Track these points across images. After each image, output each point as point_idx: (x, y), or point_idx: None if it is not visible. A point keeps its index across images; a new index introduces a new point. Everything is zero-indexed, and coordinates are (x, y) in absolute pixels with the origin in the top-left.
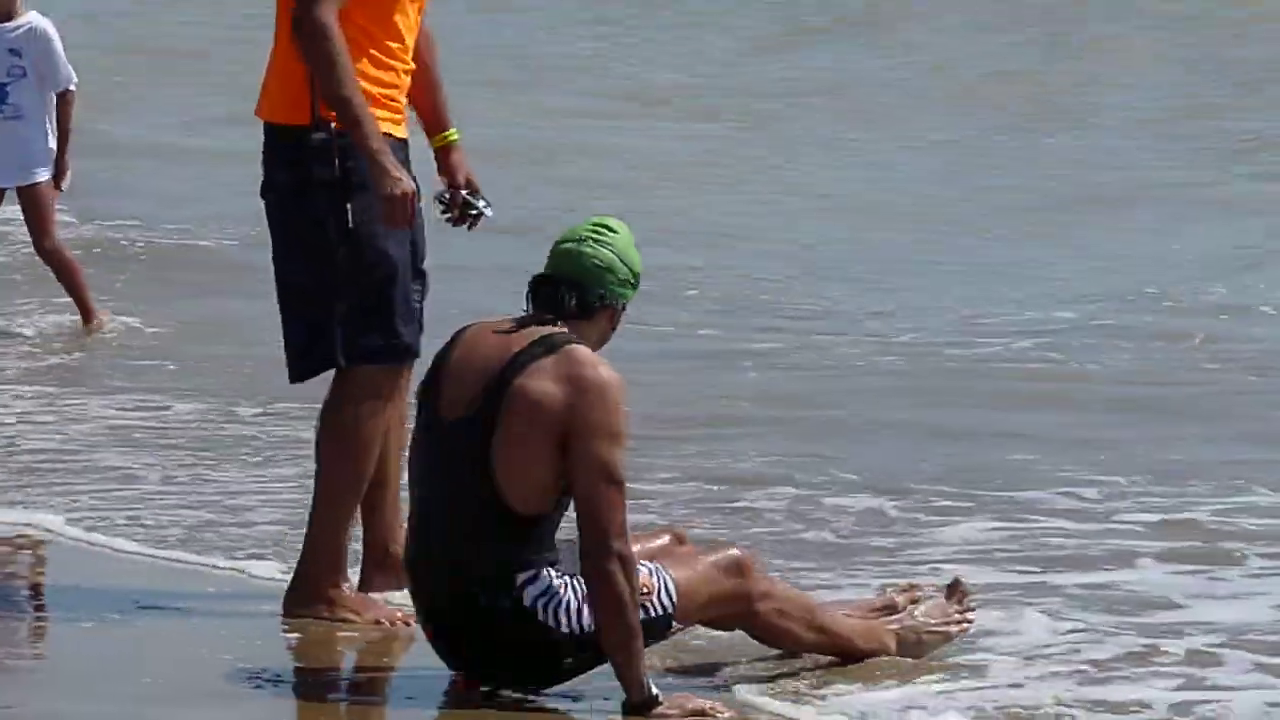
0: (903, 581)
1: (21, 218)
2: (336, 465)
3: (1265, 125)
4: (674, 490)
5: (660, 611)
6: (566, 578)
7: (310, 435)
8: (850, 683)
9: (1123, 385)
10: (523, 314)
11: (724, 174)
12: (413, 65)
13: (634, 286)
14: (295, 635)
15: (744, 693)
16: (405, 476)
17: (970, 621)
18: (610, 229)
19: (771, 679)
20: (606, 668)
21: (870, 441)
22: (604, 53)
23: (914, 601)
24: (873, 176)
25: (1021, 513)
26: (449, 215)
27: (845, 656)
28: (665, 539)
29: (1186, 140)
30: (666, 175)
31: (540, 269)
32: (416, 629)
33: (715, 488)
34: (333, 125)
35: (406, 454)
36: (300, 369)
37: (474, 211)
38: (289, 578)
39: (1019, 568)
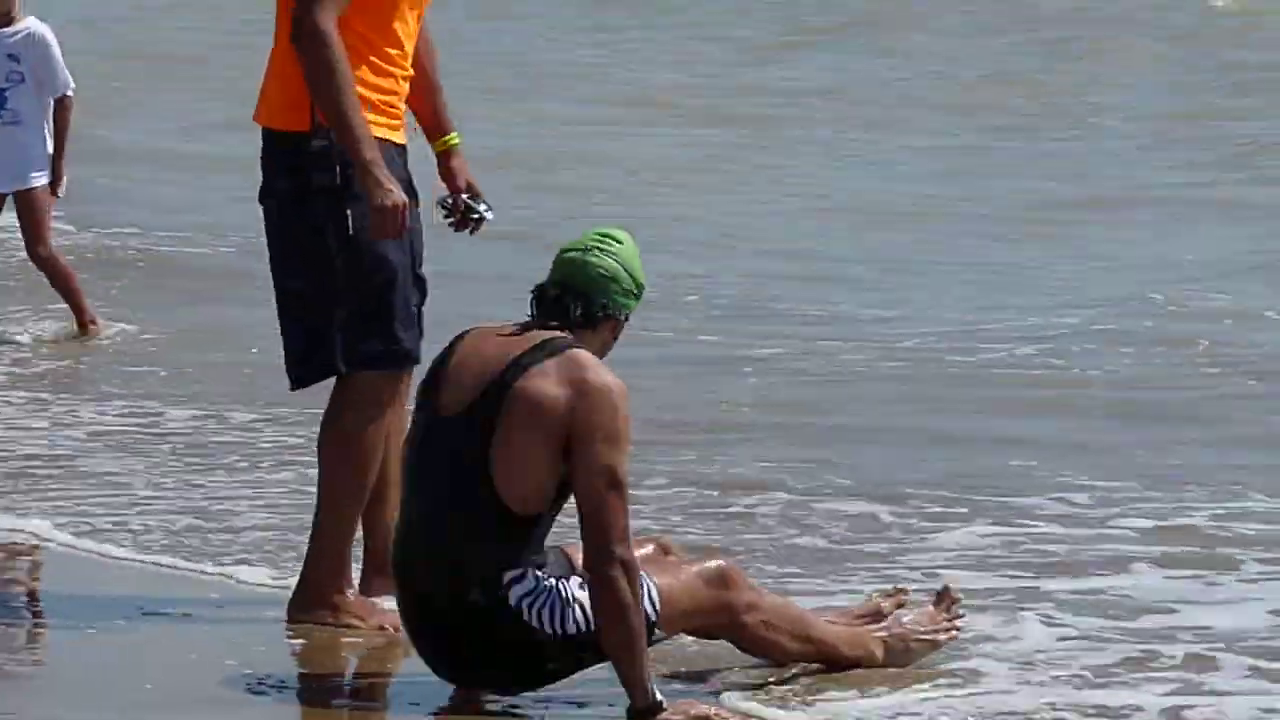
0: (888, 586)
1: (17, 224)
2: (338, 472)
3: (1263, 129)
4: (670, 495)
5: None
6: (552, 579)
7: (303, 441)
8: (843, 689)
9: (1124, 390)
10: (526, 320)
11: (724, 178)
12: (412, 72)
13: (637, 297)
14: (299, 641)
15: (734, 700)
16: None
17: (959, 629)
18: (615, 239)
19: (761, 686)
20: (607, 672)
21: (870, 447)
22: (604, 59)
23: (900, 605)
24: (874, 179)
25: (1018, 518)
26: (451, 220)
27: (832, 664)
28: (650, 548)
29: (1185, 144)
30: (667, 180)
31: (541, 277)
32: None
33: (711, 493)
34: (332, 132)
35: None
36: (300, 376)
37: (475, 216)
38: (279, 583)
39: (1016, 573)
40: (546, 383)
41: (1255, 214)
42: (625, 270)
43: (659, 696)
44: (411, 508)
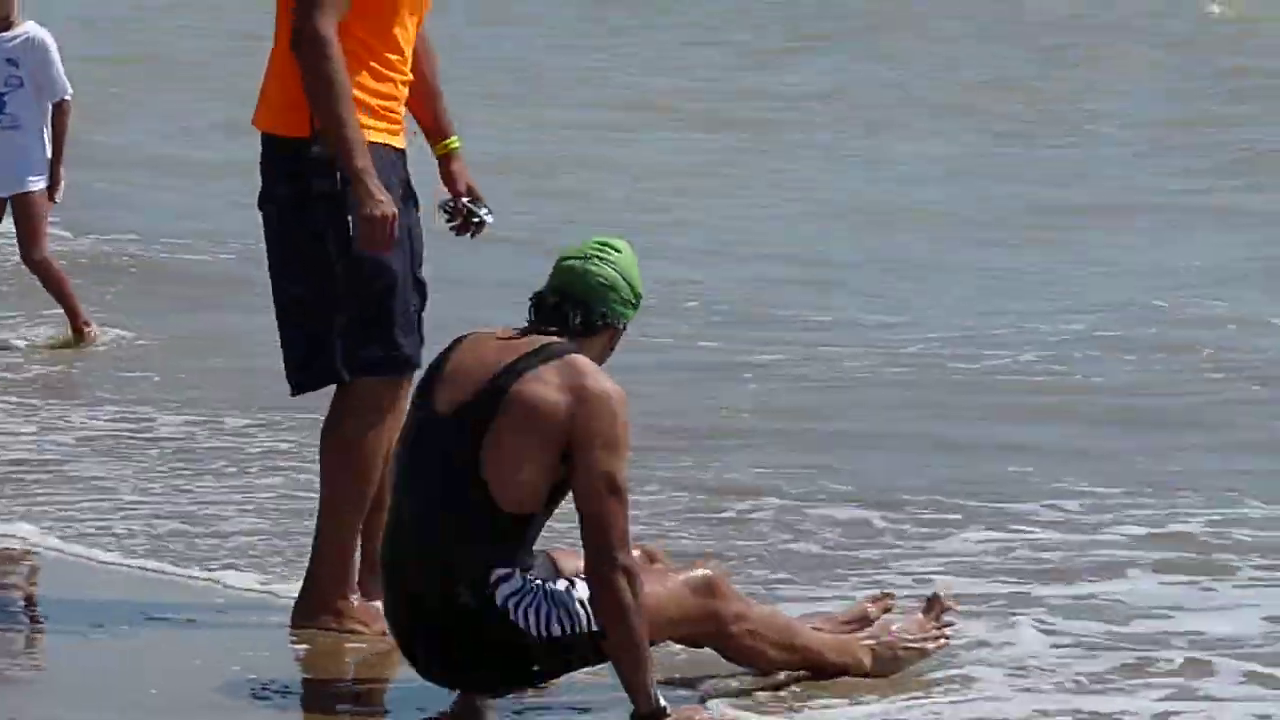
0: (875, 591)
1: (13, 228)
2: (340, 478)
3: (1260, 136)
4: (665, 500)
5: None
6: (539, 581)
7: (292, 446)
8: (833, 696)
9: (1126, 396)
10: (525, 325)
11: (724, 183)
12: (411, 76)
13: (635, 306)
14: (303, 646)
15: (722, 707)
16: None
17: (948, 638)
18: (614, 248)
19: (750, 693)
20: (610, 677)
21: (871, 453)
22: (604, 63)
23: (887, 610)
24: (874, 184)
25: (1014, 524)
26: (453, 224)
27: (819, 673)
28: (636, 555)
29: (1183, 150)
30: (667, 185)
31: (541, 282)
32: None
33: (706, 499)
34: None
35: None
36: (300, 382)
37: (476, 219)
38: (266, 588)
39: (1011, 579)
40: (545, 388)
41: (1253, 220)
42: (624, 279)
43: (662, 702)
44: (403, 508)
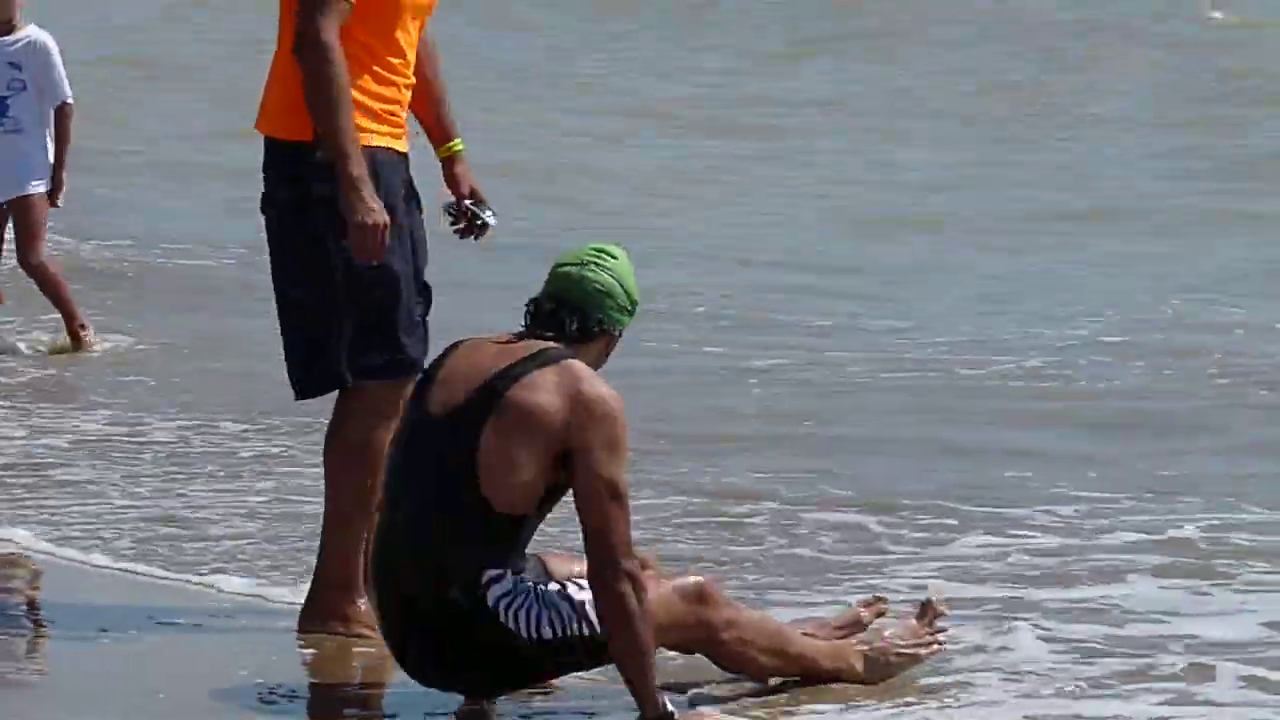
0: (867, 595)
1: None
2: (344, 482)
3: (1266, 141)
4: (663, 505)
5: None
6: (530, 584)
7: (281, 450)
8: (824, 703)
9: (1133, 400)
10: (521, 330)
11: (727, 189)
12: (414, 80)
13: (631, 313)
14: (310, 651)
15: (717, 713)
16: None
17: (941, 643)
18: (610, 254)
19: (740, 698)
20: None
21: (873, 458)
22: (605, 68)
23: (880, 615)
24: (877, 190)
25: (1013, 529)
26: (457, 226)
27: (811, 679)
28: None
29: (1189, 155)
30: (670, 191)
31: (538, 288)
32: None
33: (702, 501)
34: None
35: None
36: (302, 386)
37: (479, 222)
38: (256, 592)
39: (1008, 584)
40: (541, 393)
41: (1260, 225)
42: (620, 286)
43: (670, 707)
44: (396, 508)
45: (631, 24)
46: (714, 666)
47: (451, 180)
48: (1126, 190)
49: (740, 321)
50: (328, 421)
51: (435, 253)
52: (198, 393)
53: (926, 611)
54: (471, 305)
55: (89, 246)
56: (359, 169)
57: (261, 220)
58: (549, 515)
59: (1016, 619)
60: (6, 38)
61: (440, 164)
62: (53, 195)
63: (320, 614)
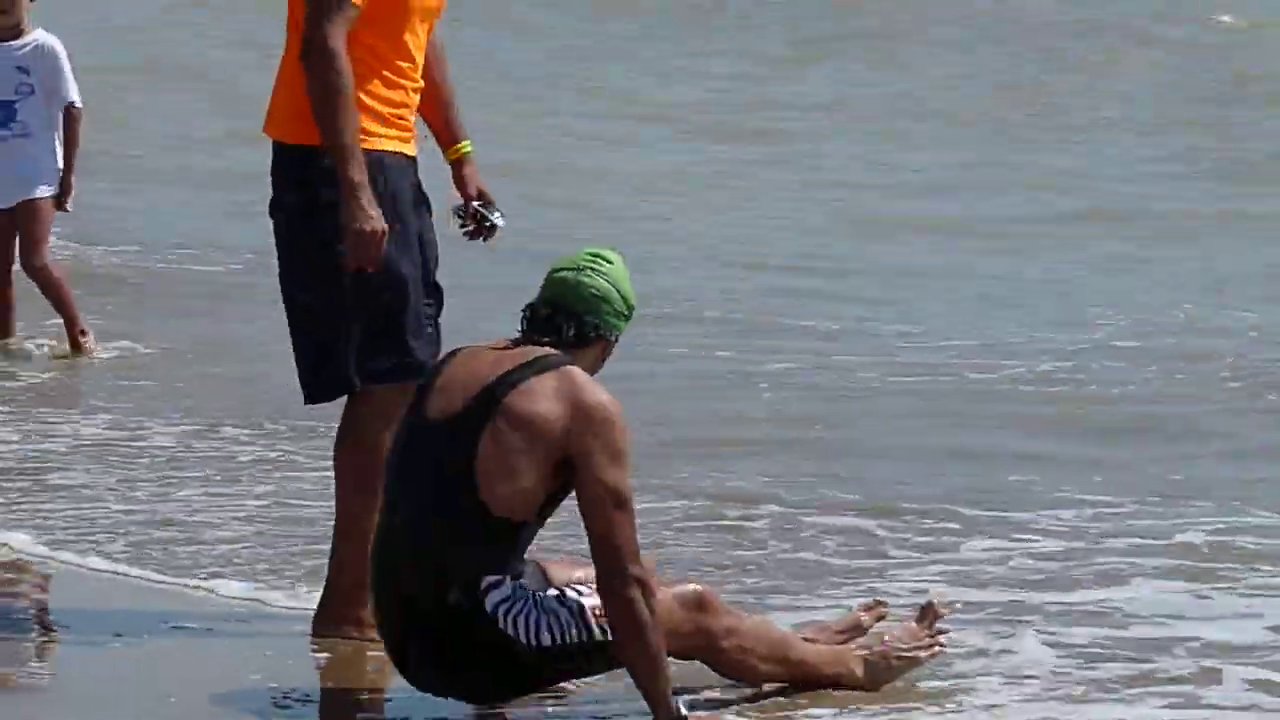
0: (868, 599)
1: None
2: (355, 485)
3: (1274, 141)
4: (666, 508)
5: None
6: (529, 590)
7: (280, 455)
8: (825, 707)
9: (1146, 405)
10: (518, 336)
11: (733, 193)
12: (422, 83)
13: (627, 318)
14: (324, 655)
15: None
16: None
17: (942, 646)
18: (606, 259)
19: (740, 703)
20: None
21: (880, 462)
22: (609, 71)
23: (880, 619)
24: (884, 194)
25: (1018, 533)
26: (466, 228)
27: (811, 684)
28: None
29: (1198, 159)
30: (676, 195)
31: (534, 293)
32: None
33: (706, 505)
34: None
35: None
36: (311, 391)
37: (488, 224)
38: (254, 596)
39: (1013, 588)
40: (540, 400)
41: (1273, 227)
42: (617, 291)
43: (684, 710)
44: (395, 511)
45: (629, 23)
46: (710, 672)
47: (460, 182)
48: (1137, 194)
49: (748, 325)
50: (330, 426)
51: (443, 256)
52: (199, 397)
53: (926, 614)
54: (471, 309)
55: (96, 251)
56: (359, 175)
57: (267, 224)
58: (548, 521)
59: (1021, 621)
60: (14, 42)
61: (449, 166)
62: (62, 199)
63: (334, 618)
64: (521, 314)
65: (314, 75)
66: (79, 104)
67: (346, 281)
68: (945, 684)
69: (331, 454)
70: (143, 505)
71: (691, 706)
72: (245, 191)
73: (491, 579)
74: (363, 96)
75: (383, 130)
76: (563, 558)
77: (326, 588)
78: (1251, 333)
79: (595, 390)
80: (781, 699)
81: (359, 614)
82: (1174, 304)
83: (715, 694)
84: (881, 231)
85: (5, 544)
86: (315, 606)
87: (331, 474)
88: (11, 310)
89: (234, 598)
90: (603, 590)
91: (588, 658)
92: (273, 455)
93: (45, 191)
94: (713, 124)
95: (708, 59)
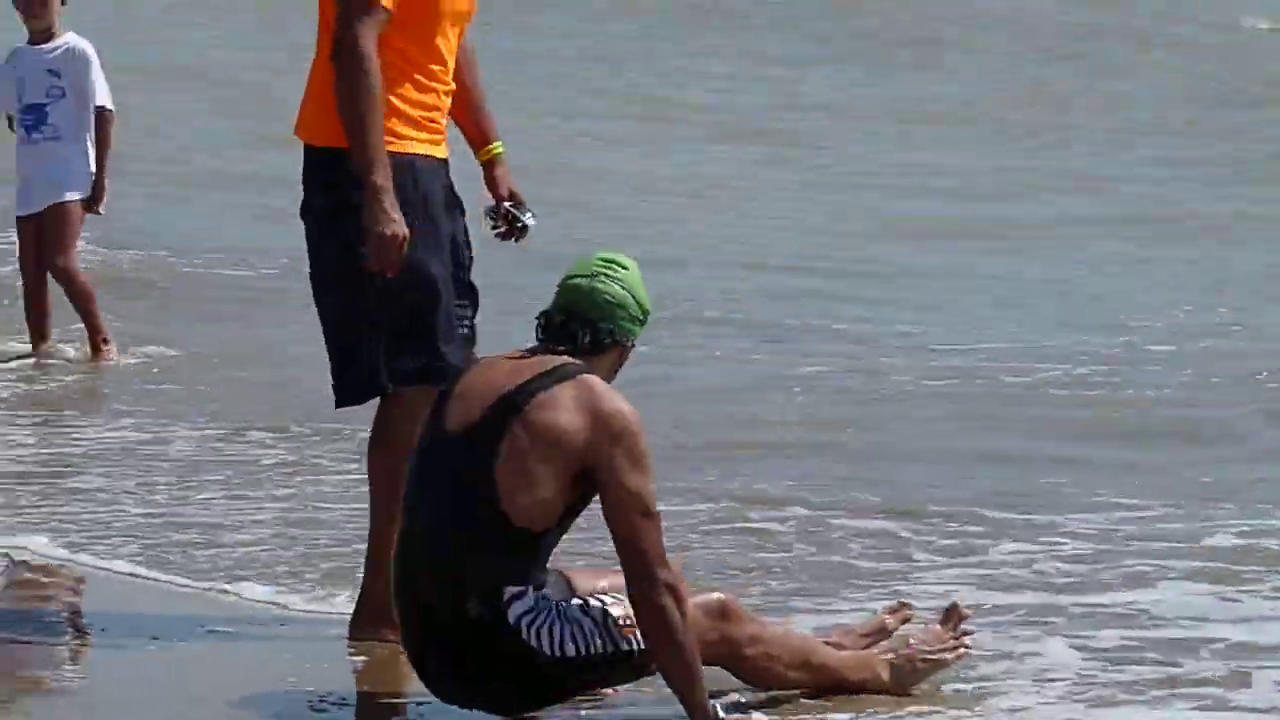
0: (893, 602)
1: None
2: (387, 489)
3: None
4: (691, 511)
5: (641, 646)
6: (552, 600)
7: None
8: (848, 711)
9: (1179, 409)
10: (535, 345)
11: (734, 193)
12: (453, 86)
13: (642, 323)
14: (361, 659)
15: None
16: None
17: (967, 647)
18: (620, 265)
19: (762, 706)
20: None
21: (909, 466)
22: (618, 72)
23: (905, 621)
24: (915, 197)
25: (1046, 535)
26: (497, 229)
27: (837, 690)
28: None
29: (1227, 160)
30: (698, 198)
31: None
32: None
33: (733, 507)
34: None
35: None
36: (338, 395)
37: (519, 224)
38: (277, 599)
39: (1041, 591)
40: (559, 411)
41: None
42: (632, 296)
43: (721, 713)
44: (414, 520)
45: (631, 24)
46: (731, 678)
47: (491, 183)
48: (1168, 197)
49: (778, 327)
50: (357, 429)
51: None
52: (225, 401)
53: (951, 615)
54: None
55: (125, 255)
56: (383, 179)
57: (300, 229)
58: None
59: (1045, 624)
60: (45, 45)
61: (480, 167)
62: (95, 202)
63: (371, 621)
64: (536, 321)
65: (343, 75)
66: (111, 107)
67: (369, 284)
68: (970, 687)
69: (355, 457)
70: (164, 509)
71: (729, 709)
72: (275, 196)
73: (514, 590)
74: (394, 100)
75: (414, 133)
76: (588, 567)
77: (362, 592)
78: None
79: (614, 398)
80: (805, 701)
81: (395, 617)
82: (1211, 309)
83: (737, 698)
84: (892, 232)
85: (23, 546)
86: (336, 610)
87: (353, 477)
88: (47, 316)
89: (258, 601)
90: (633, 597)
91: (612, 668)
92: (295, 459)
93: (74, 195)
94: (713, 124)
95: (708, 59)
